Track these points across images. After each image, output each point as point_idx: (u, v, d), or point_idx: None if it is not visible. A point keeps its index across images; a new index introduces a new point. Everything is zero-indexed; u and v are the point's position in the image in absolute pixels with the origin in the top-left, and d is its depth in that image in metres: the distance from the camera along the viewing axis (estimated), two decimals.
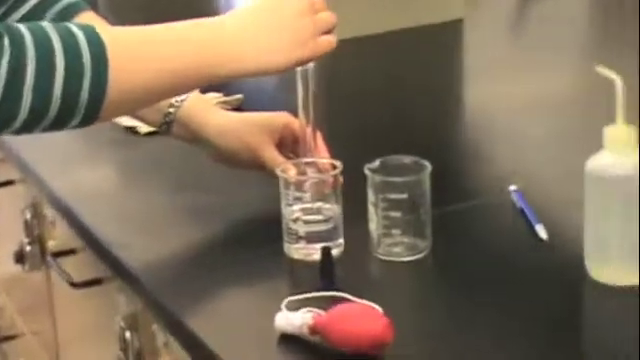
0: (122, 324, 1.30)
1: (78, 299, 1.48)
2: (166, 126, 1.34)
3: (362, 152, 1.24)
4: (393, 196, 1.17)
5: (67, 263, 1.50)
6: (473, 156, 1.50)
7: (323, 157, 1.27)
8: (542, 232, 1.21)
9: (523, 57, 1.94)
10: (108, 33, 1.08)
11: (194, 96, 1.34)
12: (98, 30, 1.07)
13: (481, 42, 2.09)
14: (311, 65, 1.23)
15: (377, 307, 1.03)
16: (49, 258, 1.50)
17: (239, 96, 1.69)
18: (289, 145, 1.32)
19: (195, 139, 1.35)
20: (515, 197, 1.30)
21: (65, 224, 1.46)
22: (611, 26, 2.14)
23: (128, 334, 1.29)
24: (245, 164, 1.33)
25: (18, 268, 1.70)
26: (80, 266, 1.47)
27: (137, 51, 1.10)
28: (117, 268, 1.26)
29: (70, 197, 1.42)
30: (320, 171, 1.25)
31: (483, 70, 1.89)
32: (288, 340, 1.05)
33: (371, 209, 1.19)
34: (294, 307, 1.07)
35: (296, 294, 1.10)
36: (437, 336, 1.06)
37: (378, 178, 1.18)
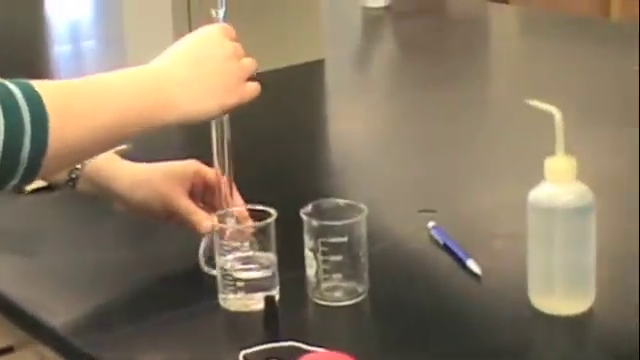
0: None
1: None
2: (72, 182, 1.30)
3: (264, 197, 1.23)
4: (333, 240, 1.16)
5: None
6: (380, 195, 1.50)
7: (238, 206, 1.25)
8: (475, 267, 1.23)
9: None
10: (44, 89, 1.05)
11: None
12: (35, 87, 1.04)
13: (346, 81, 2.13)
14: (225, 116, 1.22)
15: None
16: None
17: (124, 147, 1.64)
18: (200, 194, 1.29)
19: (103, 194, 1.30)
20: (436, 233, 1.32)
21: None
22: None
23: None
24: (158, 215, 1.29)
25: None
26: None
27: (74, 106, 1.07)
28: (39, 332, 1.19)
29: None
30: (238, 221, 1.22)
31: (367, 109, 1.92)
32: None
33: (309, 254, 1.17)
34: None
35: (248, 347, 1.07)
36: None
37: (316, 222, 1.17)
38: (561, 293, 1.12)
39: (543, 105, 1.10)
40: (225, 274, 1.18)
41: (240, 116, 1.86)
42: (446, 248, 1.29)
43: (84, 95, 1.08)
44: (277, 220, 1.18)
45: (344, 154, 1.74)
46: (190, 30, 1.84)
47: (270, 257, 1.19)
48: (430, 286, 1.23)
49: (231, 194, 1.25)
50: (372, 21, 2.51)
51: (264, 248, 1.19)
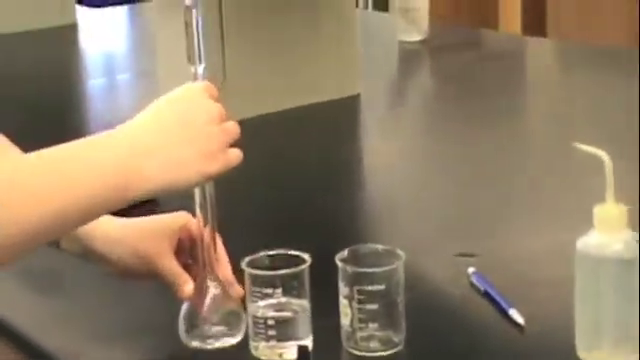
0: None
1: None
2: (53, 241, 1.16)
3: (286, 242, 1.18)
4: (369, 288, 1.11)
5: None
6: (417, 238, 1.45)
7: (222, 264, 1.16)
8: (517, 317, 1.17)
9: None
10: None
11: None
12: None
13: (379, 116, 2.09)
14: None
15: None
16: None
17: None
18: (186, 249, 1.18)
19: (86, 253, 1.18)
20: (477, 280, 1.27)
21: None
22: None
23: None
24: (142, 276, 1.18)
25: None
26: None
27: (28, 187, 0.97)
28: None
29: None
30: (221, 285, 1.15)
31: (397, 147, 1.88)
32: None
33: (344, 302, 1.12)
34: None
35: None
36: None
37: (352, 269, 1.12)
38: (610, 346, 1.06)
39: (591, 149, 1.05)
40: (256, 321, 1.13)
41: (271, 152, 1.86)
42: (487, 296, 1.23)
43: (39, 173, 0.99)
44: (311, 265, 1.14)
45: (380, 193, 1.69)
46: (224, 64, 1.82)
47: (303, 304, 1.14)
48: (470, 336, 1.17)
49: (215, 249, 1.15)
50: (408, 55, 2.47)
51: (297, 295, 1.14)
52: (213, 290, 1.14)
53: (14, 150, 1.18)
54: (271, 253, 1.16)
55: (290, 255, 1.15)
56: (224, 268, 1.17)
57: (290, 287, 1.14)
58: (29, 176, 0.98)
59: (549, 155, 1.74)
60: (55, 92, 2.34)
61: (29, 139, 1.19)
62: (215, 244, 1.15)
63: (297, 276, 1.13)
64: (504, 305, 1.19)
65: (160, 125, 1.05)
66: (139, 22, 3.21)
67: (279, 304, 1.14)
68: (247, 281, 1.14)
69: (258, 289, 1.13)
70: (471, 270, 1.28)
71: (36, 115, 2.10)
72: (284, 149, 1.86)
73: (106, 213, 1.05)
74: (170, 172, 1.03)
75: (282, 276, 1.13)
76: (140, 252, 1.16)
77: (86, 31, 2.96)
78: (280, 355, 1.13)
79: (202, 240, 1.14)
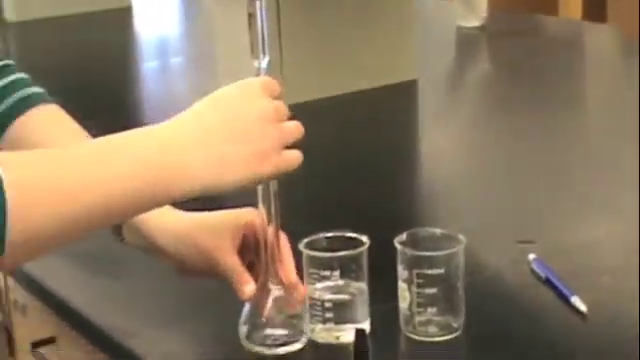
0: None
1: None
2: (117, 232, 1.15)
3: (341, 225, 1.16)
4: (429, 271, 1.10)
5: (45, 353, 1.38)
6: (476, 223, 1.42)
7: (286, 264, 1.11)
8: (580, 304, 1.15)
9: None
10: (5, 163, 0.86)
11: None
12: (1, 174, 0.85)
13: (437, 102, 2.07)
14: None
15: None
16: (29, 347, 1.38)
17: None
18: (252, 247, 1.13)
19: (150, 248, 1.13)
20: (537, 267, 1.24)
21: (41, 310, 1.34)
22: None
23: None
24: (204, 273, 1.13)
25: None
26: (62, 357, 1.35)
27: (46, 186, 0.87)
28: (123, 358, 1.15)
29: (49, 280, 1.31)
30: (285, 288, 1.10)
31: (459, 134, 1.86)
32: None
33: (403, 285, 1.11)
34: None
35: None
36: None
37: (411, 252, 1.10)
38: None
39: None
40: (313, 303, 1.12)
41: (329, 136, 1.84)
42: (548, 283, 1.21)
43: (61, 172, 0.89)
44: (369, 248, 1.12)
45: (438, 179, 1.67)
46: (281, 48, 1.79)
47: (361, 287, 1.13)
48: (531, 323, 1.15)
49: (278, 249, 1.10)
50: (466, 41, 2.45)
51: (355, 278, 1.13)
52: (275, 292, 1.09)
53: (66, 120, 1.19)
54: (329, 235, 1.15)
55: (348, 237, 1.14)
56: (288, 269, 1.11)
57: (348, 269, 1.12)
58: (54, 172, 0.89)
59: (609, 143, 1.70)
60: (109, 74, 2.35)
61: (82, 122, 1.20)
62: (279, 244, 1.10)
63: (355, 258, 1.12)
64: (566, 292, 1.17)
65: (208, 120, 0.97)
66: (193, 5, 3.22)
67: (337, 287, 1.12)
68: (305, 263, 1.12)
69: (316, 271, 1.12)
70: (532, 257, 1.26)
71: (91, 97, 2.10)
72: (342, 133, 1.84)
73: (141, 213, 0.98)
74: (216, 170, 0.95)
75: (340, 258, 1.12)
76: (201, 248, 1.11)
77: (141, 14, 2.97)
78: (337, 338, 1.11)
79: (265, 239, 1.09)
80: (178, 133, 0.95)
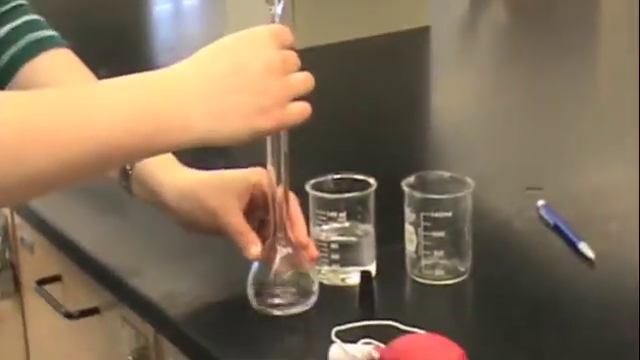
0: (130, 358, 1.18)
1: (64, 331, 1.36)
2: (125, 184, 1.13)
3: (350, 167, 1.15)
4: (436, 214, 1.09)
5: (50, 291, 1.37)
6: (485, 170, 1.41)
7: (297, 224, 1.08)
8: (587, 251, 1.14)
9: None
10: (8, 111, 0.84)
11: None
12: None
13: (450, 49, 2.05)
14: None
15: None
16: (34, 285, 1.38)
17: None
18: (261, 207, 1.10)
19: (155, 201, 1.12)
20: (546, 213, 1.23)
21: (48, 248, 1.34)
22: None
23: None
24: (207, 230, 1.11)
25: None
26: (68, 295, 1.35)
27: (41, 129, 0.85)
28: (126, 296, 1.15)
29: (56, 217, 1.31)
30: (294, 248, 1.06)
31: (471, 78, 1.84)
32: None
33: (410, 228, 1.10)
34: (342, 338, 0.98)
35: (342, 323, 1.00)
36: None
37: (419, 195, 1.09)
38: None
39: None
40: (320, 244, 1.11)
41: (340, 80, 1.83)
42: (556, 229, 1.20)
43: (56, 114, 0.86)
44: (376, 191, 1.11)
45: (447, 125, 1.66)
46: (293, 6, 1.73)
47: (368, 229, 1.12)
48: (538, 269, 1.14)
49: (287, 209, 1.07)
50: None
51: (362, 220, 1.12)
52: (283, 250, 1.06)
53: (77, 66, 1.17)
54: (336, 176, 1.14)
55: (356, 179, 1.13)
56: (298, 229, 1.08)
57: (355, 211, 1.11)
58: (40, 115, 0.86)
59: (620, 91, 1.69)
60: (122, 17, 2.33)
61: (92, 66, 1.18)
62: (288, 205, 1.07)
63: (362, 200, 1.11)
64: (574, 239, 1.16)
65: (207, 70, 0.93)
66: None
67: (343, 228, 1.12)
68: (311, 204, 1.12)
69: (322, 212, 1.11)
70: (540, 203, 1.25)
71: (102, 40, 2.09)
72: (353, 78, 1.83)
73: (133, 161, 0.95)
74: (214, 122, 0.91)
75: (347, 200, 1.11)
76: (207, 207, 1.09)
77: None
78: (343, 280, 1.11)
79: (273, 199, 1.06)
80: (178, 81, 0.92)
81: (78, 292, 1.31)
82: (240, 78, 0.93)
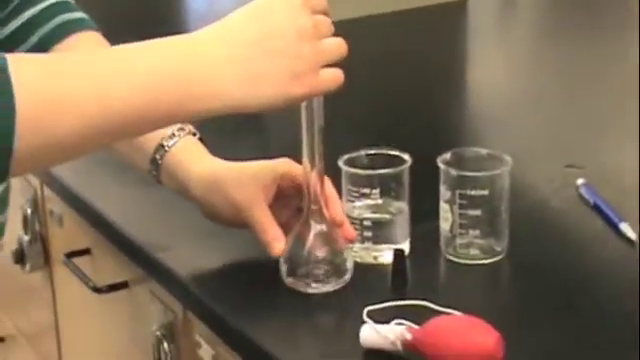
0: (158, 334, 1.17)
1: (93, 304, 1.34)
2: (155, 173, 1.11)
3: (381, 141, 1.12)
4: (472, 192, 1.06)
5: (79, 264, 1.36)
6: (524, 147, 1.37)
7: (333, 209, 1.04)
8: (629, 231, 1.11)
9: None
10: (20, 65, 0.82)
11: (184, 140, 1.10)
12: (8, 62, 0.81)
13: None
14: (317, 96, 0.98)
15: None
16: (63, 258, 1.36)
17: None
18: (295, 196, 1.07)
19: (183, 193, 1.10)
20: (586, 192, 1.20)
21: (77, 221, 1.32)
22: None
23: (166, 346, 1.16)
24: (232, 224, 1.08)
25: (11, 269, 1.56)
26: (97, 268, 1.33)
27: (61, 92, 0.83)
28: (155, 270, 1.12)
29: (86, 190, 1.29)
30: (328, 226, 1.04)
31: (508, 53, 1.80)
32: (373, 355, 0.93)
33: (445, 206, 1.07)
34: (372, 318, 0.96)
35: (373, 303, 0.98)
36: (542, 351, 0.94)
37: (455, 172, 1.06)
38: None
39: None
40: (352, 221, 1.08)
41: (376, 53, 1.79)
42: (596, 209, 1.17)
43: (77, 80, 0.84)
44: (411, 167, 1.08)
45: (485, 101, 1.62)
46: None
47: (402, 206, 1.09)
48: (577, 250, 1.11)
49: (322, 192, 1.03)
50: None
51: (396, 196, 1.09)
52: (317, 227, 1.03)
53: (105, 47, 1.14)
54: (371, 152, 1.11)
55: (390, 155, 1.10)
56: (334, 207, 1.05)
57: (388, 188, 1.09)
58: (61, 81, 0.83)
59: None
60: (153, 5, 2.30)
61: (117, 34, 1.16)
62: (323, 184, 1.04)
63: (396, 177, 1.08)
64: (614, 219, 1.13)
65: (238, 34, 0.90)
66: None
67: (376, 205, 1.09)
68: (344, 180, 1.09)
69: (355, 188, 1.08)
70: (580, 182, 1.22)
71: (133, 25, 2.06)
72: (389, 50, 1.79)
73: (158, 127, 0.92)
74: (245, 88, 0.89)
75: (380, 176, 1.08)
76: (232, 199, 1.06)
77: None
78: (375, 258, 1.08)
79: (307, 172, 1.02)
80: (208, 45, 0.89)
81: (107, 265, 1.29)
82: (273, 42, 0.90)
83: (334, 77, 0.94)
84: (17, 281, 1.61)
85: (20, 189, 1.53)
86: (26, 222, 1.50)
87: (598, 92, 1.57)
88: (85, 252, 1.36)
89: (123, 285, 1.25)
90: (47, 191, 1.46)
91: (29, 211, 1.50)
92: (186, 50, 0.89)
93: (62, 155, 0.87)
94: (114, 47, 0.91)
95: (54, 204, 1.44)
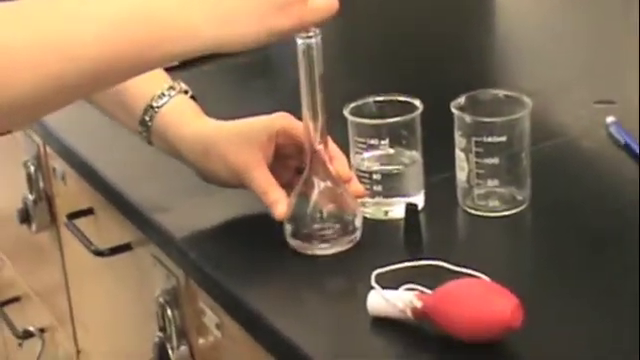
0: (161, 300, 1.10)
1: (99, 267, 1.28)
2: (146, 135, 1.04)
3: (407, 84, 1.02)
4: (489, 139, 0.97)
5: (83, 225, 1.30)
6: (549, 83, 1.28)
7: (337, 159, 0.98)
8: None
9: None
10: None
11: (175, 100, 1.03)
12: None
13: None
14: (315, 39, 0.90)
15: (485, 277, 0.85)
16: (65, 220, 1.30)
17: None
18: (293, 154, 1.01)
19: (176, 156, 1.04)
20: (616, 131, 1.11)
21: (79, 180, 1.25)
22: None
23: (169, 312, 1.10)
24: (232, 185, 1.02)
25: (21, 228, 1.50)
26: (101, 229, 1.27)
27: (14, 47, 0.76)
28: (155, 234, 1.05)
29: (86, 149, 1.22)
30: (334, 181, 0.96)
31: None
32: (381, 323, 0.86)
33: (460, 155, 0.99)
34: (382, 282, 0.88)
35: (383, 265, 0.90)
36: (567, 312, 0.86)
37: (470, 118, 0.98)
38: None
39: None
40: (361, 175, 1.01)
41: None
42: (627, 148, 1.08)
43: (36, 29, 0.77)
44: (424, 113, 1.00)
45: (506, 35, 1.52)
46: None
47: (414, 156, 1.01)
48: (608, 195, 1.02)
49: (325, 146, 0.96)
50: None
51: (407, 146, 1.01)
52: (322, 184, 0.96)
53: None
54: (378, 99, 1.03)
55: (400, 101, 1.02)
56: (339, 162, 0.98)
57: (399, 137, 1.00)
58: (19, 32, 0.77)
59: None
60: None
61: None
62: (326, 138, 0.96)
63: (407, 125, 1.00)
64: None
65: None
66: None
67: (386, 156, 1.01)
68: (350, 130, 1.01)
69: (362, 139, 1.00)
70: (610, 120, 1.13)
71: None
72: None
73: (131, 76, 0.84)
74: (223, 25, 0.82)
75: (390, 125, 1.00)
76: (227, 162, 0.99)
77: None
78: (386, 213, 1.00)
79: (306, 126, 0.95)
80: None
81: (110, 226, 1.23)
82: None
83: (327, 4, 0.85)
84: (27, 240, 1.56)
85: (23, 145, 1.47)
86: (30, 180, 1.44)
87: (630, 22, 1.46)
88: (89, 212, 1.29)
89: (126, 247, 1.19)
90: (49, 148, 1.39)
91: (32, 169, 1.44)
92: None
93: (29, 113, 0.80)
94: None
95: (56, 162, 1.37)
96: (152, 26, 0.80)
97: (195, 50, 0.82)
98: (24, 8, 0.79)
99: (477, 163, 0.98)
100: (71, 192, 1.36)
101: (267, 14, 0.83)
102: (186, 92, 1.04)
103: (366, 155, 1.01)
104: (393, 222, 0.99)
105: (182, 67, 1.22)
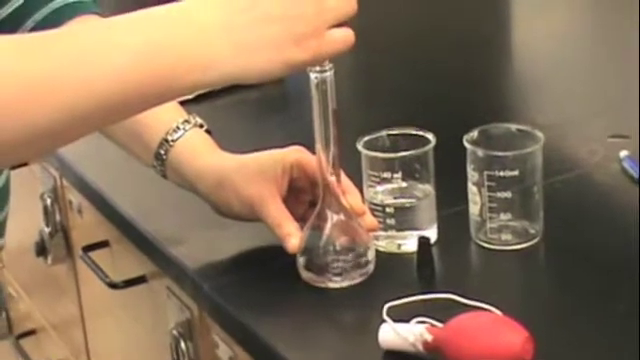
0: (175, 332, 1.11)
1: (114, 299, 1.29)
2: (160, 168, 1.04)
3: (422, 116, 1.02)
4: (502, 173, 0.98)
5: (98, 257, 1.30)
6: (562, 117, 1.29)
7: (350, 193, 0.98)
8: None
9: None
10: (7, 59, 0.77)
11: (190, 134, 1.03)
12: None
13: None
14: (329, 73, 0.91)
15: (496, 311, 0.85)
16: (80, 252, 1.31)
17: None
18: (306, 188, 1.01)
19: (189, 189, 1.04)
20: (630, 165, 1.11)
21: (95, 213, 1.26)
22: None
23: (183, 345, 1.10)
24: (243, 217, 1.02)
25: (37, 261, 1.51)
26: (116, 262, 1.28)
27: (42, 73, 0.77)
28: (170, 267, 1.06)
29: (102, 182, 1.23)
30: (347, 215, 0.96)
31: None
32: (393, 356, 0.86)
33: (473, 189, 0.99)
34: (394, 314, 0.88)
35: (395, 298, 0.91)
36: (578, 346, 0.86)
37: (482, 152, 0.98)
38: None
39: None
40: (374, 208, 1.01)
41: (399, 17, 1.68)
42: None
43: (59, 61, 0.77)
44: (436, 147, 1.00)
45: (520, 69, 1.52)
46: None
47: (427, 189, 1.01)
48: (621, 230, 1.02)
49: (338, 179, 0.96)
50: None
51: (420, 179, 1.01)
52: (335, 217, 0.96)
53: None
54: (392, 132, 1.03)
55: (413, 135, 1.02)
56: (353, 196, 0.98)
57: (412, 170, 1.01)
58: (42, 63, 0.77)
59: None
60: None
61: None
62: (337, 172, 0.96)
63: (420, 158, 1.01)
64: None
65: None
66: None
67: (399, 189, 1.02)
68: (363, 164, 1.01)
69: (375, 173, 1.01)
70: (624, 154, 1.13)
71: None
72: (413, 13, 1.69)
73: (153, 105, 0.84)
74: (240, 56, 0.81)
75: (403, 158, 1.00)
76: (243, 196, 1.00)
77: None
78: (399, 246, 1.01)
79: (319, 159, 0.95)
80: (197, 12, 0.82)
81: (126, 259, 1.23)
82: (267, 5, 0.83)
83: (343, 38, 0.85)
84: (43, 273, 1.57)
85: (40, 178, 1.48)
86: (47, 212, 1.45)
87: None
88: (104, 244, 1.30)
89: (141, 280, 1.19)
90: (66, 181, 1.40)
91: (49, 201, 1.45)
92: (174, 19, 0.82)
93: (49, 143, 0.81)
94: (98, 21, 0.84)
95: (73, 194, 1.38)
96: (171, 58, 0.80)
97: (214, 81, 0.82)
98: (45, 39, 0.80)
99: (490, 197, 0.99)
100: (87, 225, 1.37)
101: (284, 46, 0.83)
102: (201, 126, 1.05)
103: (379, 188, 1.01)
104: (406, 255, 0.99)
105: (196, 101, 1.24)
